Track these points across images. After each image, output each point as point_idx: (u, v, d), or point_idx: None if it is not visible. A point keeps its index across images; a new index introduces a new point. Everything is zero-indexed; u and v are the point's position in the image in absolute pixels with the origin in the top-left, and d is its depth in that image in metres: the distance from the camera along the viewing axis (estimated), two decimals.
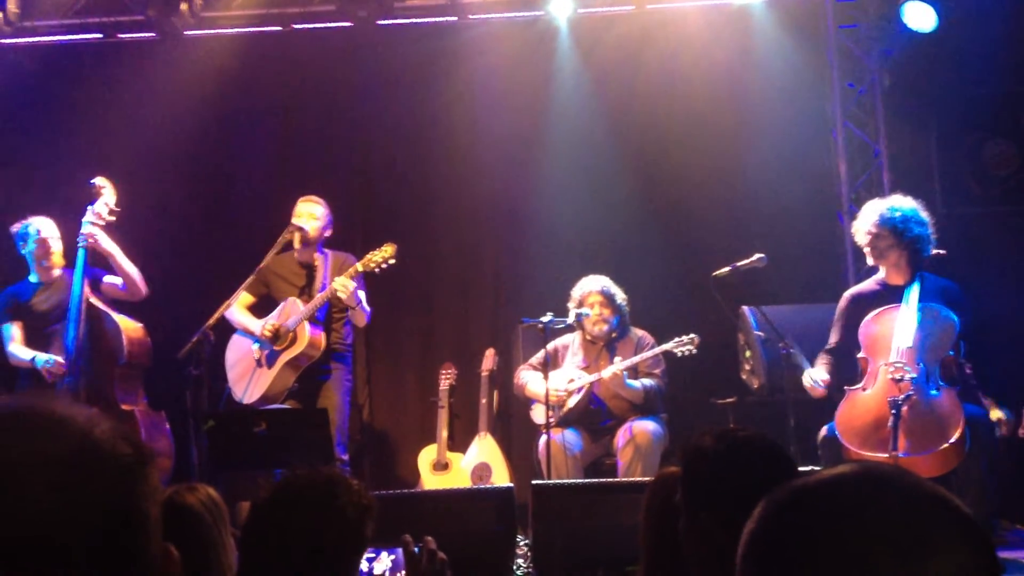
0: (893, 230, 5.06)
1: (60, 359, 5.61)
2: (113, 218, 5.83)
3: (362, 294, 5.74)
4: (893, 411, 4.61)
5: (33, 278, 5.94)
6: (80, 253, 5.73)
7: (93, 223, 5.74)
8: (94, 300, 5.77)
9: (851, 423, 4.84)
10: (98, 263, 5.86)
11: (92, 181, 5.88)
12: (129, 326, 5.78)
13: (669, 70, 7.02)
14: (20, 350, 5.77)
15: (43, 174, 7.20)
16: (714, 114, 6.95)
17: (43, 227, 5.88)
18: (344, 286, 5.47)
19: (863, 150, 6.93)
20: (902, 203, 5.14)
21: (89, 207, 5.79)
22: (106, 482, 0.94)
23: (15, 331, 5.83)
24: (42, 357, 5.63)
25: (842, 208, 6.83)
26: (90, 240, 5.69)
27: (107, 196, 5.82)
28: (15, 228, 5.93)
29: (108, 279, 5.87)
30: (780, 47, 6.90)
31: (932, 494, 0.83)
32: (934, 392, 4.74)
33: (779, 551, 0.82)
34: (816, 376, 5.07)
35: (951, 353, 4.84)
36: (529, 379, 6.00)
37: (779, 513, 0.85)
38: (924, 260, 5.11)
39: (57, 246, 5.91)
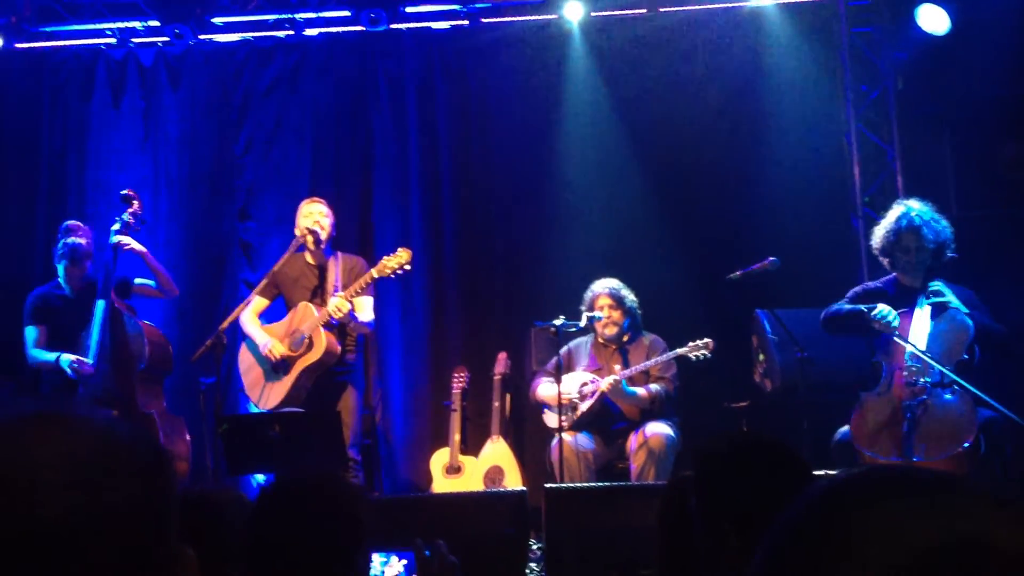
0: (919, 233, 5.05)
1: (85, 359, 5.65)
2: (139, 230, 5.93)
3: (369, 301, 5.75)
4: (907, 415, 4.60)
5: (61, 281, 5.99)
6: (108, 258, 5.80)
7: (121, 232, 5.84)
8: (118, 305, 5.82)
9: (865, 427, 4.83)
10: (125, 268, 5.92)
11: (121, 192, 6.02)
12: (152, 331, 5.84)
13: (681, 73, 7.02)
14: (43, 352, 5.82)
15: (54, 181, 7.25)
16: (727, 117, 6.95)
17: (77, 241, 5.88)
18: (338, 308, 5.50)
19: (877, 153, 6.91)
20: (923, 207, 5.14)
21: (117, 217, 5.90)
22: (123, 483, 0.95)
23: (39, 334, 5.88)
24: (67, 357, 5.68)
25: (856, 211, 6.81)
26: (124, 247, 5.78)
27: (134, 207, 5.94)
28: (61, 226, 5.97)
29: (140, 280, 5.96)
30: (793, 50, 6.90)
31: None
32: (948, 396, 4.73)
33: (803, 555, 0.81)
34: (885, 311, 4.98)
35: (965, 357, 4.82)
36: (543, 386, 6.00)
37: (804, 515, 0.84)
38: (941, 264, 5.11)
39: (86, 261, 5.92)
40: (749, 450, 2.05)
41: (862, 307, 5.03)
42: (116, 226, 5.87)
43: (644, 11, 7.03)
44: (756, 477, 1.97)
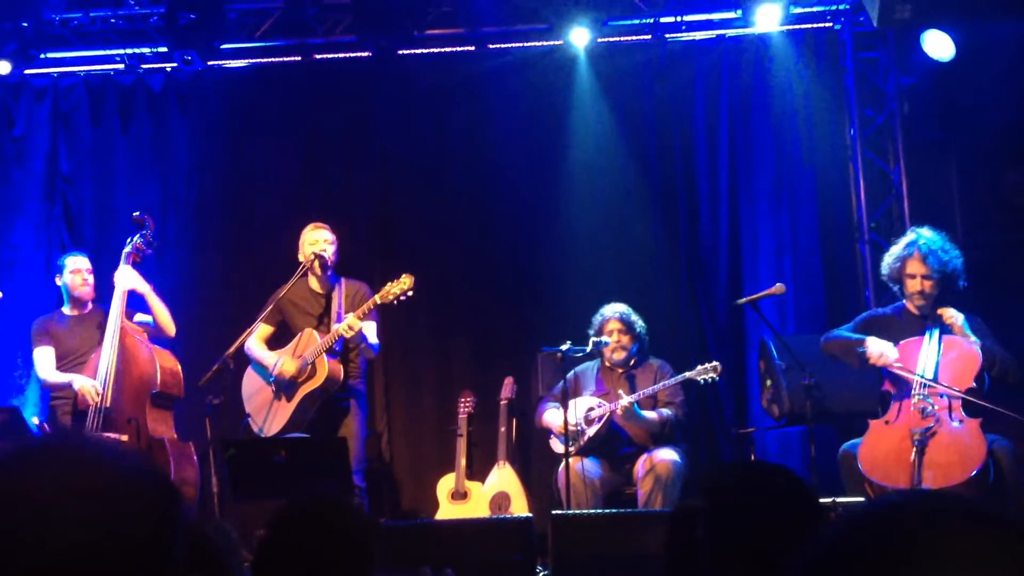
0: (925, 261, 5.05)
1: (97, 384, 5.65)
2: (151, 251, 5.96)
3: (373, 326, 5.73)
4: (915, 443, 4.58)
5: (66, 309, 6.01)
6: (119, 286, 5.83)
7: (132, 255, 5.88)
8: (130, 328, 5.82)
9: (874, 455, 4.82)
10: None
11: (133, 214, 6.03)
12: (163, 355, 5.83)
13: (688, 98, 7.05)
14: (56, 374, 5.81)
15: (65, 206, 7.29)
16: (732, 142, 6.97)
17: (78, 260, 6.01)
18: (350, 327, 5.48)
19: (882, 178, 6.92)
20: (934, 235, 5.15)
21: (129, 239, 5.92)
22: (131, 516, 0.95)
23: (48, 355, 5.86)
24: (80, 380, 5.67)
25: (862, 236, 6.81)
26: (122, 285, 5.80)
27: (147, 229, 5.97)
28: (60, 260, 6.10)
29: (138, 317, 5.94)
30: (798, 75, 6.92)
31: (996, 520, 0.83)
32: (957, 424, 4.71)
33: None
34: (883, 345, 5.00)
35: (974, 385, 4.80)
36: (548, 411, 5.98)
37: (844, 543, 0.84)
38: (953, 294, 5.11)
39: (90, 279, 5.99)
40: (759, 480, 2.05)
41: (860, 337, 5.07)
42: (127, 249, 5.89)
43: (649, 37, 7.07)
44: (765, 508, 1.96)
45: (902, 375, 4.91)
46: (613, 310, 6.00)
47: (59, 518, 0.90)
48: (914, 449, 4.58)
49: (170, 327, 5.94)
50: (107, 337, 5.73)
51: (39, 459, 0.94)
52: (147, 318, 5.94)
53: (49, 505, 0.90)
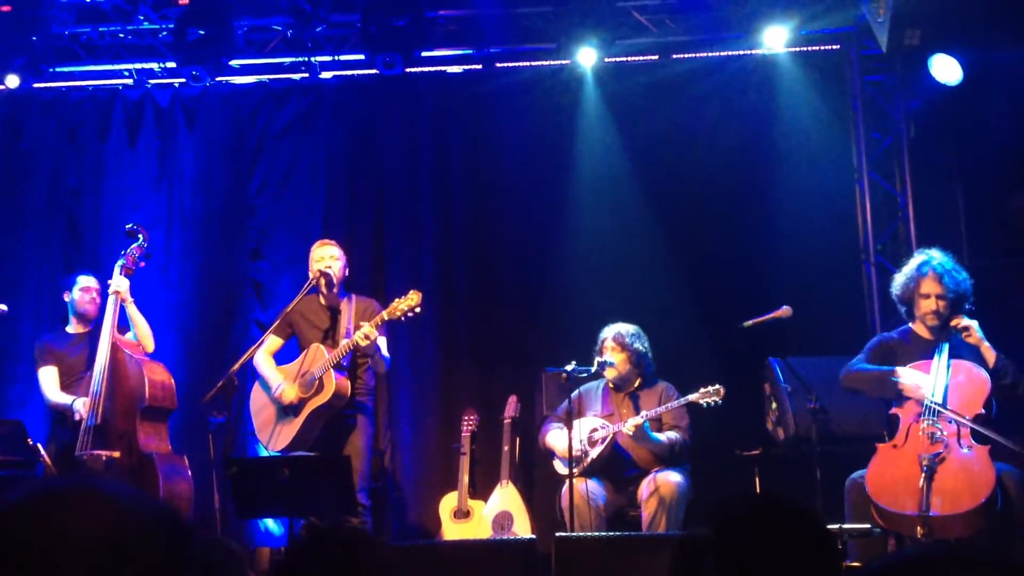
0: (940, 280, 5.04)
1: (86, 402, 5.67)
2: (143, 264, 5.98)
3: (383, 341, 5.72)
4: (924, 469, 4.56)
5: (69, 328, 6.07)
6: (112, 296, 5.86)
7: (125, 267, 5.92)
8: (121, 342, 5.83)
9: (882, 480, 4.78)
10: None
11: (127, 226, 6.08)
12: (153, 368, 5.83)
13: (694, 119, 7.06)
14: (59, 394, 5.85)
15: (71, 220, 7.30)
16: (739, 164, 6.97)
17: (89, 279, 6.12)
18: (366, 336, 5.46)
19: (888, 201, 6.92)
20: (945, 257, 5.14)
21: (123, 251, 5.97)
22: (145, 559, 0.95)
23: (52, 375, 5.91)
24: (79, 403, 5.70)
25: (868, 259, 6.81)
26: (116, 295, 5.85)
27: (140, 241, 6.00)
28: (72, 280, 6.21)
29: (129, 335, 5.97)
30: (805, 97, 6.94)
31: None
32: (966, 450, 4.68)
33: None
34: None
35: (983, 411, 4.78)
36: (552, 433, 5.95)
37: None
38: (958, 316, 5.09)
39: (98, 299, 6.08)
40: (769, 511, 2.03)
41: (889, 368, 5.01)
42: (121, 261, 5.92)
43: (657, 57, 7.08)
44: (775, 539, 1.95)
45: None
46: (611, 329, 5.97)
47: (78, 558, 0.89)
48: (923, 475, 4.54)
49: (148, 343, 5.99)
50: (100, 346, 5.75)
51: (59, 500, 0.94)
52: (129, 336, 5.98)
53: (68, 544, 0.90)
